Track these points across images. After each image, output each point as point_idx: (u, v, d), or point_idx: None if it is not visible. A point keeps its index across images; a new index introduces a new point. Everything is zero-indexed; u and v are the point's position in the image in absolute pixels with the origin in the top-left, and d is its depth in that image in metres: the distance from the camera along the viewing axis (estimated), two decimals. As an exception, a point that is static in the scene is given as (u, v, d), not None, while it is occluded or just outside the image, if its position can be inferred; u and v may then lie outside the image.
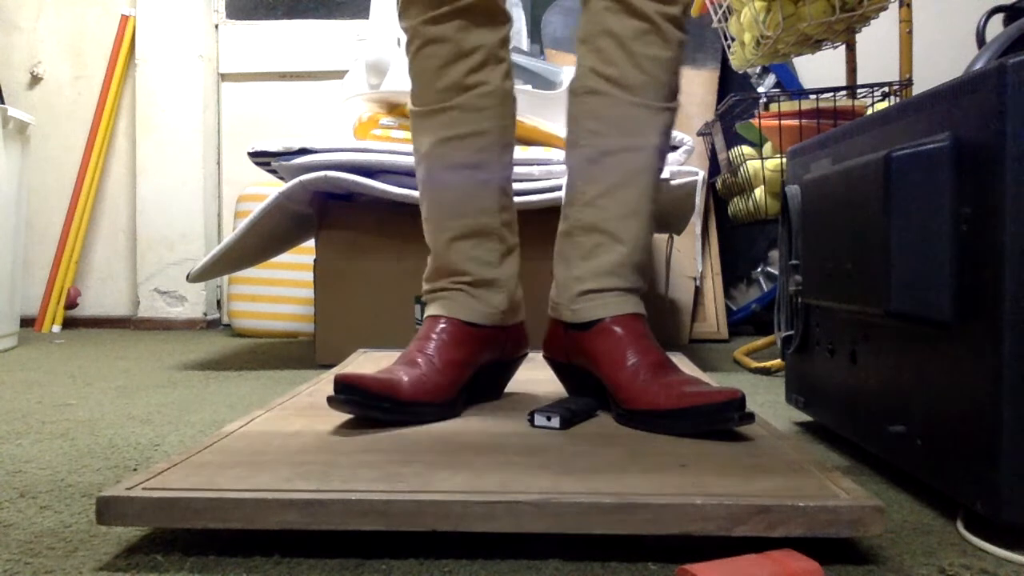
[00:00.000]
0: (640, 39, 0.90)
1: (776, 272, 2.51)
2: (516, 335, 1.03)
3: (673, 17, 0.91)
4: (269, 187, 2.57)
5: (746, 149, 2.01)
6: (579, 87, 0.95)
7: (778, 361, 1.70)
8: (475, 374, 0.96)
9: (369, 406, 0.84)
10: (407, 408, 0.87)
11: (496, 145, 0.97)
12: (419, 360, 0.92)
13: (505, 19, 0.98)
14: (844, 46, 1.94)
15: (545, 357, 1.00)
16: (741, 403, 0.80)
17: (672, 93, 0.94)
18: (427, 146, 0.97)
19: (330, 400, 0.84)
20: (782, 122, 1.76)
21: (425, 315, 0.99)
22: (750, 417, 0.81)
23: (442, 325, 0.95)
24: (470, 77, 0.94)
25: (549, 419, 0.86)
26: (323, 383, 1.17)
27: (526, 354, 1.06)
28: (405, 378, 0.88)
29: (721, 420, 0.81)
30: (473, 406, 0.98)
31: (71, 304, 2.87)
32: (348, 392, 0.83)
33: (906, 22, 1.67)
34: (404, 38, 0.98)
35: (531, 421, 0.87)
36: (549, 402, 0.95)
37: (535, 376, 1.23)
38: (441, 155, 0.97)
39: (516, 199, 1.69)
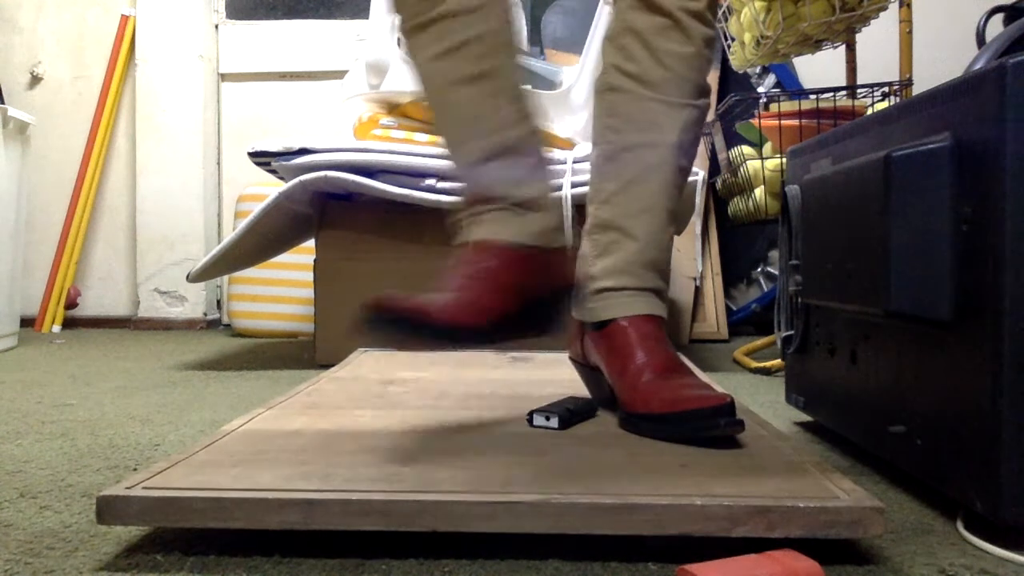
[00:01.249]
0: (661, 35, 0.90)
1: (776, 272, 2.51)
2: (564, 259, 0.93)
3: (696, 12, 0.90)
4: (269, 187, 2.56)
5: (746, 149, 2.01)
6: (601, 84, 0.94)
7: (778, 361, 1.70)
8: (526, 303, 0.87)
9: (399, 325, 0.77)
10: (446, 330, 0.79)
11: (499, 48, 0.87)
12: (461, 284, 0.84)
13: None
14: (844, 46, 1.94)
15: (569, 357, 1.00)
16: (730, 409, 0.78)
17: (697, 90, 0.92)
18: (425, 64, 0.88)
19: (362, 325, 0.77)
20: (782, 122, 1.76)
21: (465, 240, 0.90)
22: (738, 424, 0.78)
23: (484, 248, 0.87)
24: None
25: (548, 419, 0.86)
26: (323, 383, 1.17)
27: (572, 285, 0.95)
28: (446, 302, 0.81)
29: (707, 427, 0.78)
30: (466, 405, 0.97)
31: (71, 304, 2.87)
32: (381, 318, 0.76)
33: (906, 22, 1.67)
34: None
35: (530, 421, 0.87)
36: (549, 402, 0.95)
37: (535, 376, 1.23)
38: (439, 72, 0.87)
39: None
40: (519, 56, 0.90)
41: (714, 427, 0.78)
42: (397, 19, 0.90)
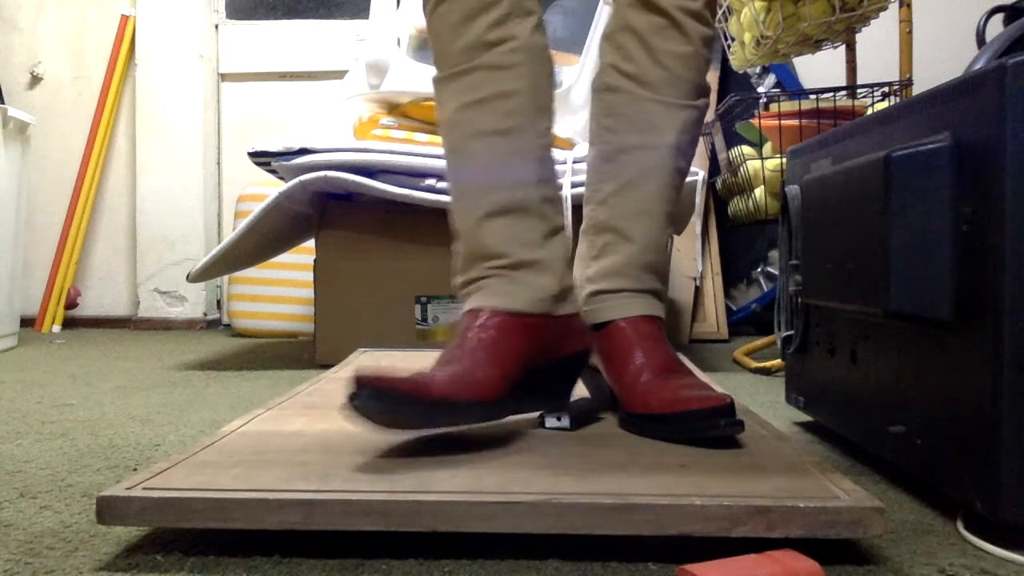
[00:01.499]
0: (659, 34, 0.89)
1: (776, 272, 2.51)
2: (573, 327, 0.89)
3: (694, 12, 0.89)
4: (269, 187, 2.56)
5: (746, 149, 2.01)
6: (599, 84, 0.94)
7: (778, 361, 1.70)
8: (530, 374, 0.83)
9: (394, 409, 0.72)
10: (439, 406, 0.74)
11: (528, 108, 0.86)
12: (457, 356, 0.79)
13: None
14: (844, 46, 1.94)
15: None
16: (730, 409, 0.77)
17: (696, 90, 0.91)
18: (450, 113, 0.87)
19: (347, 405, 0.72)
20: (782, 122, 1.76)
21: (463, 310, 0.86)
22: (738, 424, 0.77)
23: (482, 318, 0.82)
24: (493, 32, 0.84)
25: (559, 419, 0.85)
26: (323, 383, 1.17)
27: (589, 351, 0.91)
28: (438, 375, 0.76)
29: (707, 427, 0.78)
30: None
31: (71, 304, 2.87)
32: (368, 395, 0.71)
33: (906, 22, 1.67)
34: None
35: (542, 423, 0.87)
36: None
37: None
38: (465, 122, 0.86)
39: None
40: (550, 119, 0.88)
41: (714, 427, 0.77)
42: (434, 69, 0.89)
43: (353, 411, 0.71)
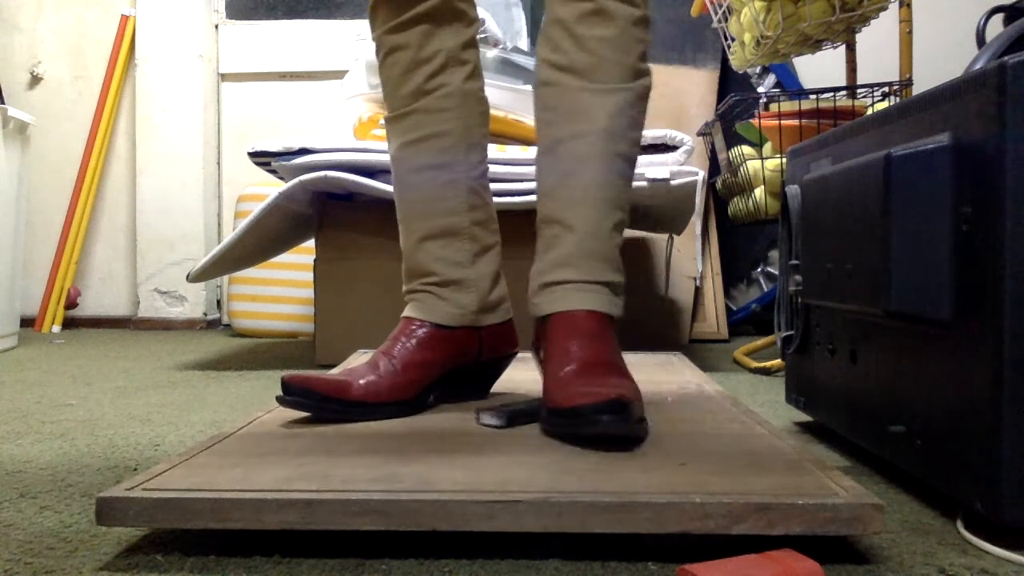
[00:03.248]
0: (584, 22, 0.89)
1: (776, 272, 2.51)
2: (495, 335, 1.01)
3: None
4: (269, 187, 2.57)
5: (746, 149, 2.01)
6: (535, 80, 0.95)
7: (778, 361, 1.70)
8: (449, 374, 0.97)
9: (317, 407, 0.88)
10: (356, 408, 0.89)
11: (460, 145, 0.98)
12: (380, 363, 0.94)
13: (470, 21, 0.99)
14: (844, 46, 1.94)
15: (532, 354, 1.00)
16: (616, 406, 0.73)
17: (628, 72, 0.90)
18: (394, 150, 1.00)
19: (279, 400, 0.88)
20: (782, 122, 1.76)
21: (401, 316, 1.00)
22: (624, 423, 0.73)
23: (410, 327, 0.97)
24: (430, 81, 0.97)
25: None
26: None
27: (512, 354, 1.04)
28: (361, 381, 0.91)
29: (588, 423, 0.74)
30: (463, 406, 0.97)
31: (71, 304, 2.87)
32: (297, 394, 0.87)
33: (906, 22, 1.67)
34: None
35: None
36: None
37: (536, 376, 1.22)
38: (406, 158, 0.99)
39: (513, 199, 1.69)
40: (482, 153, 1.01)
41: (594, 423, 0.74)
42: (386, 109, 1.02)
43: (284, 405, 0.88)
